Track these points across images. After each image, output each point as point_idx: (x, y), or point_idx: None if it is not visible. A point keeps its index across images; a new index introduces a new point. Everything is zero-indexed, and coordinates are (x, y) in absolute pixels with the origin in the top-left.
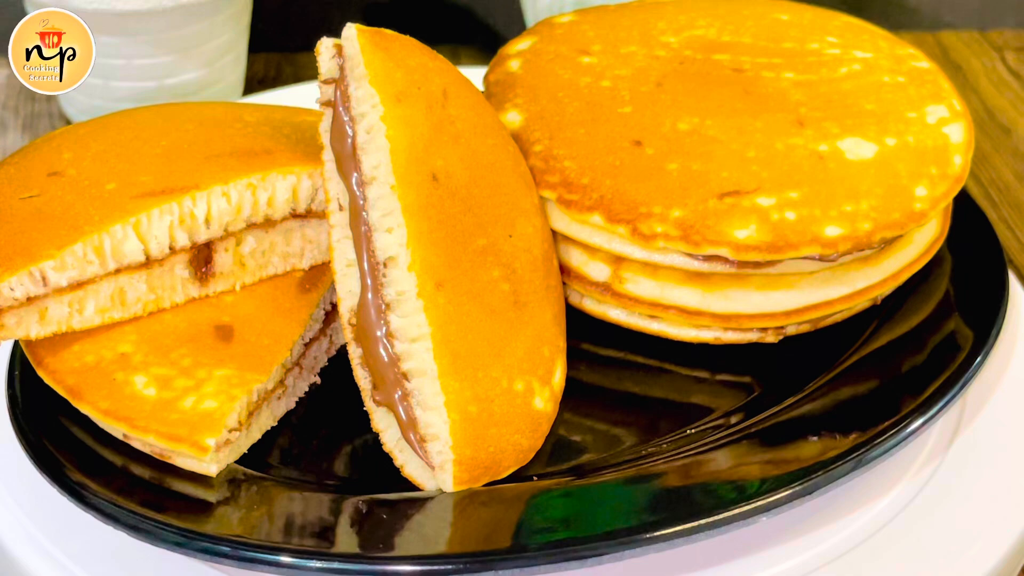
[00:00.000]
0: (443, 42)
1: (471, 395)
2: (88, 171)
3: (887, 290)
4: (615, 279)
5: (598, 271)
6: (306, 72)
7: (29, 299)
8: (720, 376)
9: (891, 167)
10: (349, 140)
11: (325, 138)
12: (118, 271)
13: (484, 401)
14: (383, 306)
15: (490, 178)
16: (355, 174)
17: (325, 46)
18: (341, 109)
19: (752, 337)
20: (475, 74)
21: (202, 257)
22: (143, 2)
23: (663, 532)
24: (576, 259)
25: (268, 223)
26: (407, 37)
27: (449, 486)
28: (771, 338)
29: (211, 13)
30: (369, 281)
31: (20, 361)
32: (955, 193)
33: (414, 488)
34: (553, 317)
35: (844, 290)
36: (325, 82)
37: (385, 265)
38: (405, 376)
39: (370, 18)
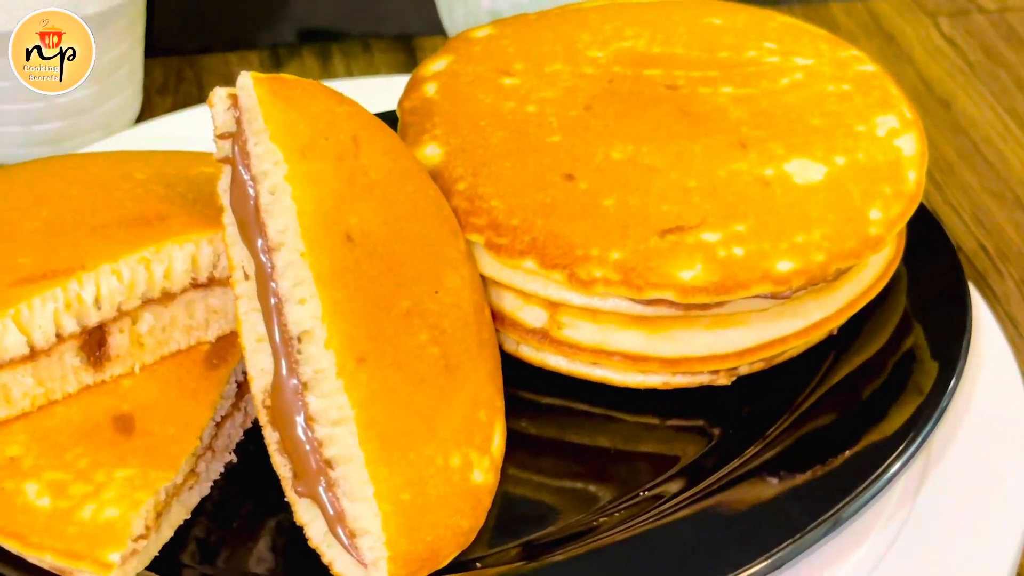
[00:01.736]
0: (354, 34)
1: (403, 481)
2: None
3: (843, 319)
4: (552, 325)
5: (534, 316)
6: (208, 76)
7: None
8: (671, 421)
9: (842, 189)
10: (252, 201)
11: (225, 199)
12: (0, 367)
13: (417, 485)
14: (299, 386)
15: (410, 229)
16: (260, 239)
17: (219, 97)
18: (241, 167)
19: (703, 380)
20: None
21: (94, 341)
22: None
23: None
24: (509, 304)
25: (167, 297)
26: (309, 81)
27: None
28: (723, 380)
29: (100, 27)
30: (283, 359)
31: None
32: (911, 214)
33: None
34: (488, 375)
35: (799, 324)
36: (221, 136)
37: (300, 340)
38: (329, 464)
39: (270, 11)
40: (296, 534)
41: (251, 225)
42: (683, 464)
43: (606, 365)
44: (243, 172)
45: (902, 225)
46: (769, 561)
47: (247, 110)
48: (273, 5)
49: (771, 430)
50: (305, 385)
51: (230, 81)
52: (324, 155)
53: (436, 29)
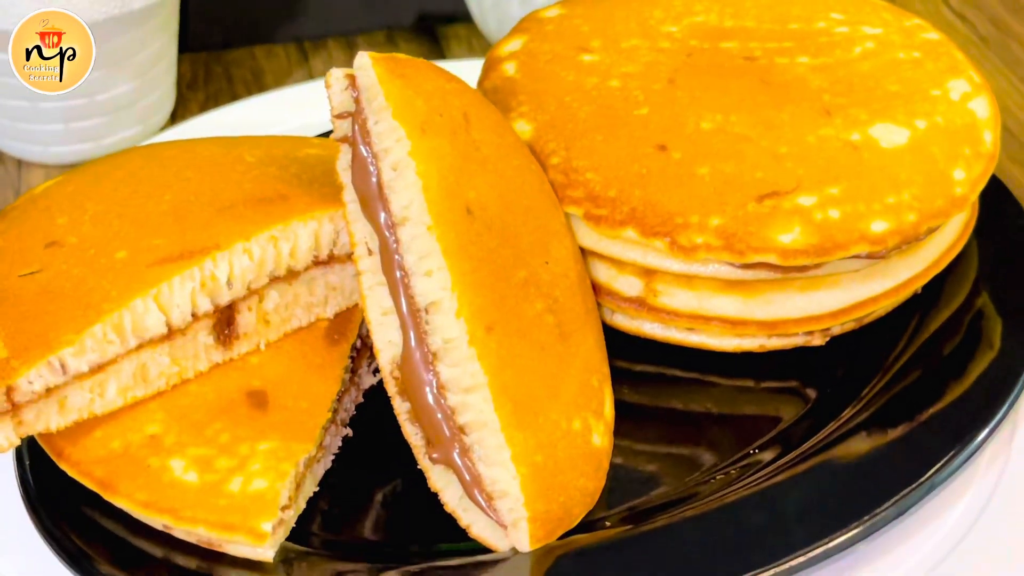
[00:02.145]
0: (378, 26)
1: (535, 444)
2: (91, 238)
3: (928, 277)
4: (649, 293)
5: (629, 285)
6: (236, 70)
7: (48, 390)
8: (765, 383)
9: (926, 152)
10: (374, 178)
11: (345, 177)
12: (139, 347)
13: (548, 448)
14: (429, 356)
15: (520, 202)
16: (383, 215)
17: (335, 78)
18: (361, 145)
19: (798, 341)
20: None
21: (224, 319)
22: None
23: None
24: (604, 275)
25: (291, 275)
26: (420, 60)
27: (525, 545)
28: (818, 341)
29: (141, 23)
30: (411, 330)
31: (30, 451)
32: (991, 173)
33: (481, 548)
34: (595, 342)
35: (888, 283)
36: (339, 116)
37: (427, 311)
38: (462, 430)
39: (293, 5)
40: (420, 506)
41: (373, 201)
42: (783, 426)
43: (703, 331)
44: (363, 150)
45: (984, 184)
46: (892, 507)
47: (366, 89)
48: (296, 1)
49: (866, 391)
50: (435, 355)
51: (257, 74)
52: (440, 131)
53: (458, 16)
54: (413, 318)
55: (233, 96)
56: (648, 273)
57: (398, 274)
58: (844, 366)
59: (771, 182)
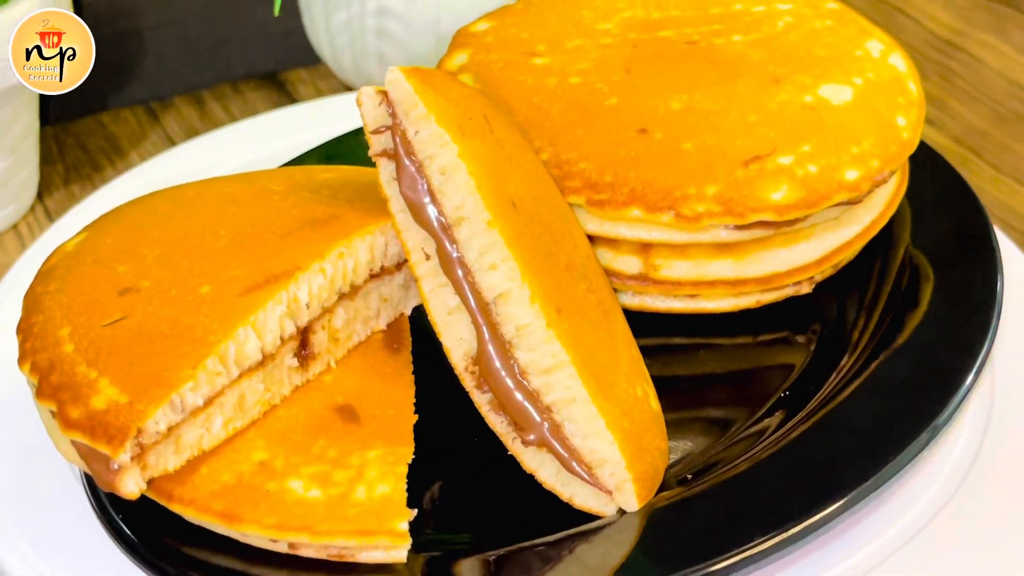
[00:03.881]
0: (219, 80)
1: (620, 411)
2: (165, 279)
3: (886, 220)
4: (649, 268)
5: (630, 264)
6: (89, 139)
7: (169, 429)
8: (762, 337)
9: (870, 105)
10: (421, 185)
11: (390, 189)
12: (240, 377)
13: (628, 414)
14: (505, 345)
15: (544, 194)
16: (436, 219)
17: (367, 95)
18: (404, 156)
19: (788, 292)
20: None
21: (300, 341)
22: None
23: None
24: (603, 258)
25: (353, 291)
26: (437, 69)
27: (634, 505)
28: (806, 289)
29: (12, 98)
30: (483, 324)
31: (112, 502)
32: (923, 117)
33: (585, 517)
34: (623, 317)
35: (856, 228)
36: (376, 132)
37: (495, 303)
38: (550, 409)
39: (129, 71)
40: (498, 486)
41: (424, 207)
42: (799, 370)
43: (705, 296)
44: (406, 159)
45: (921, 128)
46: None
47: (401, 102)
48: (129, 65)
49: (856, 334)
50: (510, 343)
51: (112, 140)
52: (473, 133)
53: (298, 62)
54: (483, 312)
55: (94, 165)
56: (644, 250)
57: (459, 273)
58: (826, 310)
59: (751, 148)
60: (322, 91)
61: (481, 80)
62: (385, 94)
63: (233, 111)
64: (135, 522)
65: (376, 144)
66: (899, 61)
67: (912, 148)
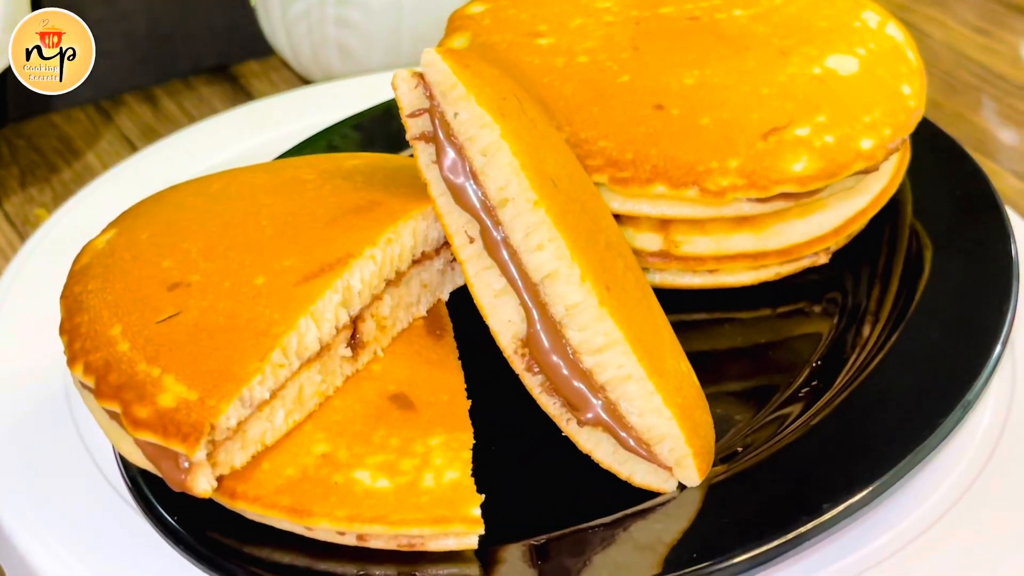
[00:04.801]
0: (170, 76)
1: (672, 387)
2: (215, 272)
3: (895, 189)
4: (670, 244)
5: (650, 242)
6: (40, 139)
7: (238, 425)
8: (781, 309)
9: (876, 74)
10: (463, 167)
11: (430, 172)
12: (300, 368)
13: (679, 390)
14: (556, 325)
15: (576, 173)
16: (479, 200)
17: (402, 78)
18: (443, 138)
19: (805, 263)
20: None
21: (351, 330)
22: None
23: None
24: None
25: (398, 277)
26: (467, 51)
27: (695, 479)
28: (823, 259)
29: None
30: (531, 304)
31: (163, 503)
32: (924, 85)
33: (641, 495)
34: (653, 294)
35: (868, 198)
36: (412, 115)
37: (543, 284)
38: (603, 388)
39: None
40: (551, 467)
41: (466, 190)
42: (828, 340)
43: (726, 270)
44: (445, 142)
45: (924, 95)
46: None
47: (438, 84)
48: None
49: (873, 303)
50: (560, 323)
51: (66, 141)
52: (510, 113)
53: (246, 55)
54: (531, 292)
55: (50, 166)
56: (664, 227)
57: (505, 254)
58: (842, 280)
59: (768, 120)
60: (276, 83)
61: (487, 62)
62: (421, 76)
63: (188, 107)
64: (190, 523)
65: (413, 127)
66: (895, 31)
67: (919, 116)
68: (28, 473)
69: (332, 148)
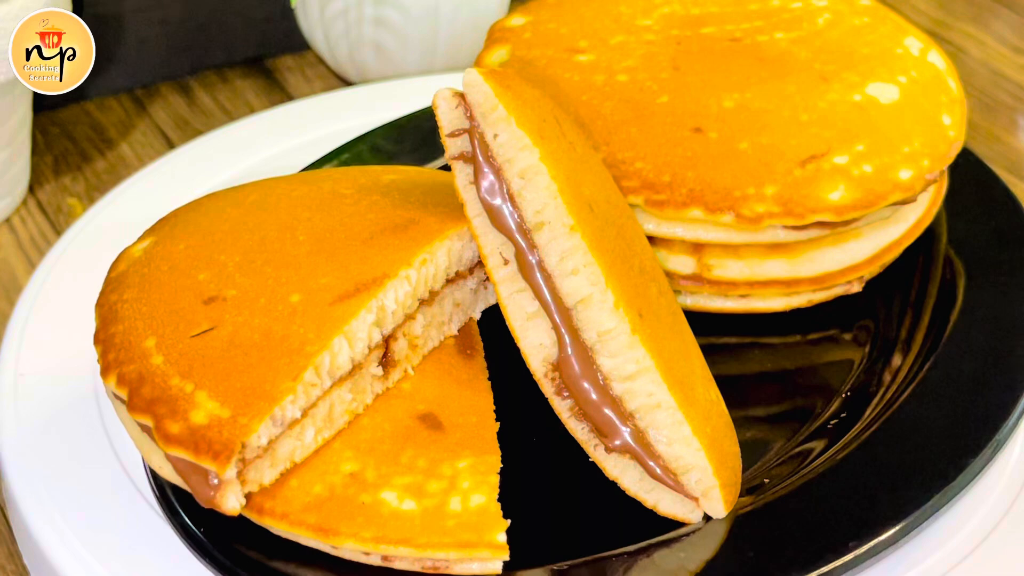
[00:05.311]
0: (204, 67)
1: (702, 416)
2: (251, 288)
3: (932, 218)
4: (703, 268)
5: (683, 265)
6: (74, 128)
7: (269, 443)
8: (812, 335)
9: (917, 103)
10: (500, 189)
11: (467, 193)
12: (331, 387)
13: (708, 419)
14: (587, 350)
15: (612, 195)
16: (515, 223)
17: (443, 98)
18: (482, 159)
19: (838, 291)
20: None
21: (382, 349)
22: None
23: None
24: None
25: (432, 296)
26: (509, 71)
27: (721, 511)
28: (856, 288)
29: (11, 88)
30: (564, 329)
31: (190, 516)
32: (965, 114)
33: (666, 524)
34: (685, 319)
35: (904, 227)
36: (452, 135)
37: (576, 308)
38: (633, 416)
39: (114, 57)
40: (575, 492)
41: (503, 211)
42: (861, 364)
43: (758, 295)
44: (484, 163)
45: (964, 126)
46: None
47: (479, 104)
48: (114, 52)
49: (904, 331)
50: (592, 348)
51: (99, 129)
52: (550, 136)
53: (284, 48)
54: (563, 317)
55: (83, 154)
56: (698, 250)
57: (539, 277)
58: (874, 309)
59: (806, 147)
60: (311, 79)
61: (525, 77)
62: (462, 96)
63: (222, 100)
64: (216, 535)
65: (453, 147)
66: (938, 59)
67: (959, 147)
68: (55, 475)
69: (374, 150)
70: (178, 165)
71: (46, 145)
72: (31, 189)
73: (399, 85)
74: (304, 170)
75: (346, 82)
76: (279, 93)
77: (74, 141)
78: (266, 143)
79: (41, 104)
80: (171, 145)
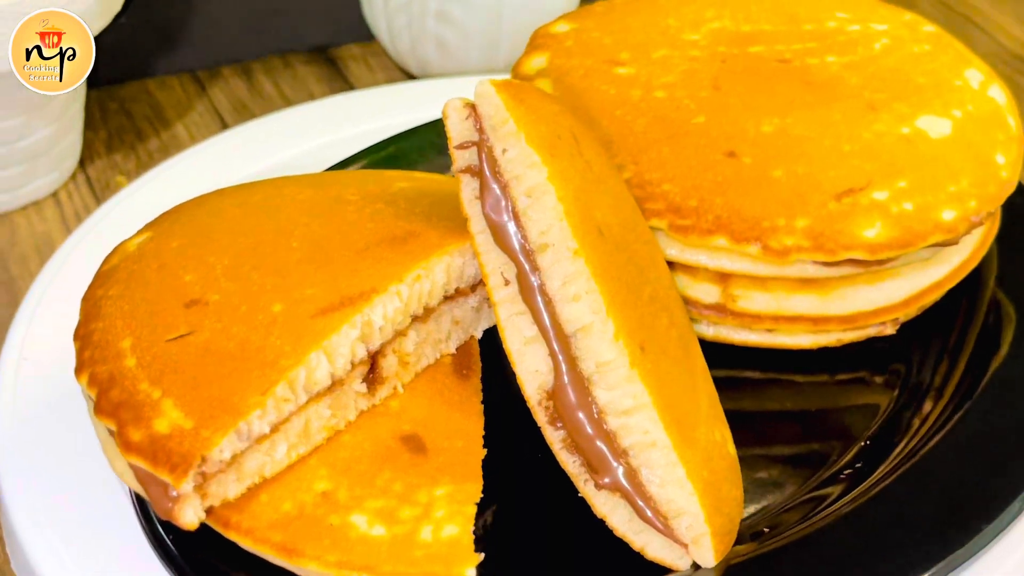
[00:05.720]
0: (269, 52)
1: (700, 459)
2: (235, 293)
3: (977, 262)
4: (727, 298)
5: (706, 293)
6: (132, 105)
7: (233, 457)
8: (839, 376)
9: (969, 140)
10: (506, 206)
11: (472, 208)
12: (307, 402)
13: (708, 462)
14: (584, 381)
15: (630, 219)
16: (519, 243)
17: (454, 108)
18: (489, 174)
19: (871, 332)
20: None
21: (369, 365)
22: None
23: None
24: (680, 284)
25: (427, 312)
26: (528, 84)
27: (710, 561)
28: (890, 330)
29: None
30: (561, 357)
31: (163, 523)
32: (1023, 154)
33: (654, 568)
34: (700, 351)
35: (945, 269)
36: (461, 147)
37: (576, 336)
38: (626, 453)
39: (180, 37)
40: (569, 531)
41: (506, 230)
42: (884, 416)
43: (784, 331)
44: (491, 179)
45: (1020, 166)
46: None
47: (489, 117)
48: (180, 31)
49: (939, 376)
50: (589, 379)
51: (157, 109)
52: (563, 154)
53: (350, 37)
54: (562, 344)
55: (137, 133)
56: (723, 279)
57: (540, 301)
58: (908, 352)
59: (844, 180)
60: (374, 69)
61: (561, 87)
62: (474, 107)
63: (283, 86)
64: (186, 545)
65: (460, 160)
66: (999, 93)
67: (1011, 188)
68: (40, 470)
69: (420, 149)
70: (226, 148)
71: (102, 121)
72: (82, 163)
73: (457, 83)
74: (333, 167)
75: (409, 75)
76: (340, 82)
77: (131, 118)
78: (314, 132)
79: (102, 79)
80: (227, 128)
